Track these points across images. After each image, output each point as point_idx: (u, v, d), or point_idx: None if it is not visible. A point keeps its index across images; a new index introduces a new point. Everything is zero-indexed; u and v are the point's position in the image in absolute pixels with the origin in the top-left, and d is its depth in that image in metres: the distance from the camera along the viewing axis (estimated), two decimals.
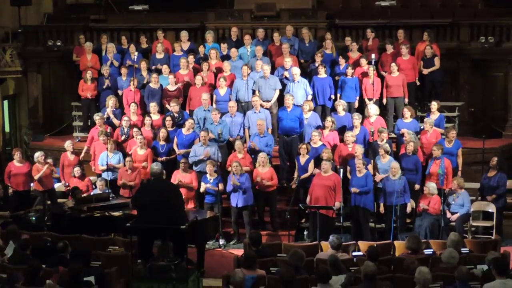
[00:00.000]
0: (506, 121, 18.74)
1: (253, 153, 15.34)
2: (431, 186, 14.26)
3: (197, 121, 16.03)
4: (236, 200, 14.54)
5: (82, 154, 16.33)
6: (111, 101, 16.90)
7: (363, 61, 16.87)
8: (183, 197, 13.43)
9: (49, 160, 15.96)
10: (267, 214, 15.17)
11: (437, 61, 17.40)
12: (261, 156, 14.80)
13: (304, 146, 14.99)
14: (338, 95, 16.81)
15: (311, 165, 14.76)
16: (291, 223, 14.61)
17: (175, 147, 15.64)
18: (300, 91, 16.42)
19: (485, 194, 15.05)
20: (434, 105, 16.17)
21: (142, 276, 10.78)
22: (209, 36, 18.28)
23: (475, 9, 20.41)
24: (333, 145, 15.48)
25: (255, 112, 15.98)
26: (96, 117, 16.46)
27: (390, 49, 17.59)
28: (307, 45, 17.96)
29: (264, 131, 15.51)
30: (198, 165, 15.11)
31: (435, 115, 16.12)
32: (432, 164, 14.80)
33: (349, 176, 14.66)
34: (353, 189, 14.16)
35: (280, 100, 16.51)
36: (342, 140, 15.53)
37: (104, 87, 17.69)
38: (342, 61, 17.21)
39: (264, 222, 15.13)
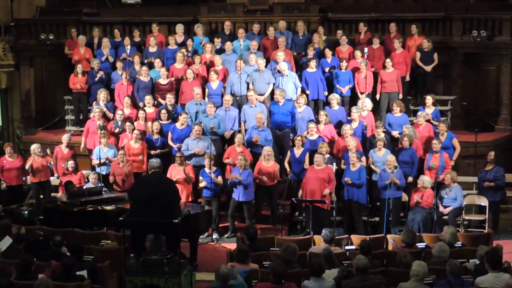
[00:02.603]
0: (498, 114, 18.75)
1: (250, 146, 15.33)
2: (425, 179, 14.28)
3: (189, 115, 16.00)
4: (238, 195, 14.53)
5: (82, 145, 16.30)
6: (102, 95, 16.88)
7: (358, 54, 16.82)
8: (180, 191, 13.46)
9: (47, 151, 15.95)
10: (264, 208, 15.18)
11: (436, 56, 17.45)
12: (266, 150, 14.72)
13: (299, 138, 14.99)
14: (337, 86, 16.83)
15: (307, 157, 14.75)
16: (284, 217, 14.61)
17: (170, 142, 15.62)
18: (289, 85, 16.42)
19: (482, 188, 15.07)
20: (429, 99, 16.23)
21: (135, 270, 10.75)
22: (199, 30, 18.27)
23: (467, 3, 20.39)
24: (331, 138, 15.52)
25: (251, 106, 15.97)
26: (97, 109, 16.41)
27: (376, 43, 17.59)
28: (300, 38, 17.98)
29: (262, 125, 15.51)
30: (191, 159, 15.09)
31: (430, 109, 16.17)
32: (432, 158, 14.84)
33: (342, 167, 14.67)
34: (346, 179, 14.18)
35: (272, 94, 16.52)
36: (339, 134, 15.54)
37: (96, 79, 17.64)
38: (328, 53, 17.21)
39: (262, 216, 15.12)
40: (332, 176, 14.17)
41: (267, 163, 14.70)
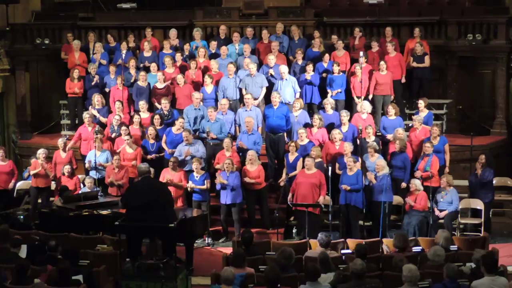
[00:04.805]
0: (494, 118, 18.74)
1: (240, 151, 15.33)
2: (416, 182, 14.31)
3: (187, 119, 15.98)
4: (225, 198, 14.55)
5: (67, 148, 16.24)
6: (95, 99, 16.85)
7: (362, 60, 16.61)
8: (172, 195, 13.45)
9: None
10: (257, 212, 15.17)
11: (427, 59, 17.47)
12: (250, 154, 14.75)
13: (293, 144, 14.99)
14: (329, 91, 16.83)
15: (299, 163, 14.75)
16: (280, 221, 14.60)
17: (163, 145, 15.61)
18: (288, 89, 16.42)
19: (473, 191, 15.10)
20: (421, 103, 16.21)
21: (131, 274, 10.78)
22: (197, 34, 18.24)
23: (462, 7, 20.40)
24: (322, 142, 15.50)
25: (246, 110, 15.96)
26: (86, 115, 16.39)
27: (375, 46, 17.65)
28: (296, 42, 17.98)
29: (253, 129, 15.49)
30: (185, 166, 15.09)
31: (423, 113, 16.16)
32: (421, 161, 14.86)
33: (338, 172, 14.67)
34: (343, 186, 14.17)
35: (268, 98, 16.50)
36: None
37: (93, 84, 17.61)
38: (326, 58, 17.23)
39: (255, 220, 15.11)
40: (324, 181, 14.14)
41: (251, 167, 14.74)
